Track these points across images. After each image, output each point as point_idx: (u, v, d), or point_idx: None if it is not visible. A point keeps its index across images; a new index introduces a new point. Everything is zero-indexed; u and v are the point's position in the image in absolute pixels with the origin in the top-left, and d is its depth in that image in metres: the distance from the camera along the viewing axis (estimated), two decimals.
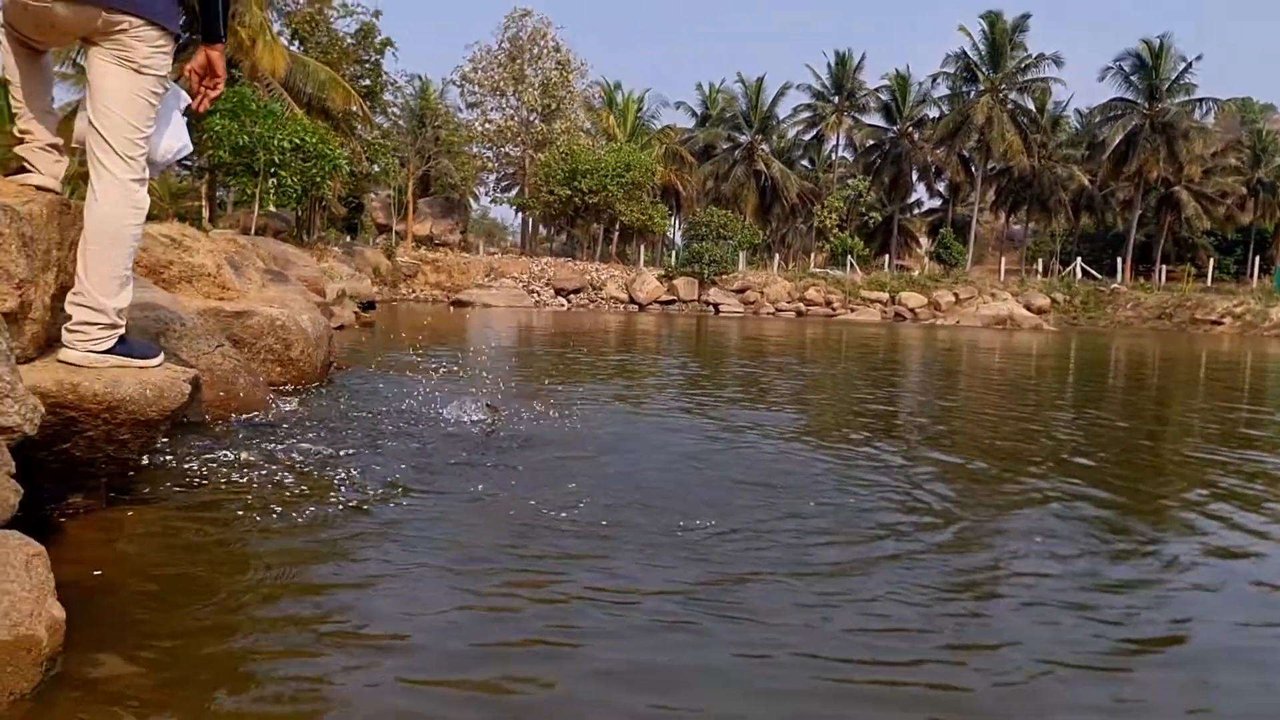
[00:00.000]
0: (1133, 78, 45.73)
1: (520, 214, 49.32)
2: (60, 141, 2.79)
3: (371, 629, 2.01)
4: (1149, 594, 2.52)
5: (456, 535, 2.69)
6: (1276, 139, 50.59)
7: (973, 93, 47.02)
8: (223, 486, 3.10)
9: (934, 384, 9.12)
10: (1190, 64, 45.09)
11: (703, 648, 2.02)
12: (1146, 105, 45.52)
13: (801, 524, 3.03)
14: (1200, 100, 45.85)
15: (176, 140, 2.87)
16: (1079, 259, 44.11)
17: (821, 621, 2.19)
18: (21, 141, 2.73)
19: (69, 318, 2.58)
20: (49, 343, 2.69)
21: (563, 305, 32.37)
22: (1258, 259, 44.13)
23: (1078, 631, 2.21)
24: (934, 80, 49.71)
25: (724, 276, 34.85)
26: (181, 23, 2.67)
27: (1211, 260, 45.33)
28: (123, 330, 2.68)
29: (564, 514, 2.98)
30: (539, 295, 33.00)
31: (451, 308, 26.82)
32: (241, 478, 3.23)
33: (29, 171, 2.72)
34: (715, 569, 2.52)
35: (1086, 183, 48.26)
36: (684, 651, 2.00)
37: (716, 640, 2.06)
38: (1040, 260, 49.16)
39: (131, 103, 2.53)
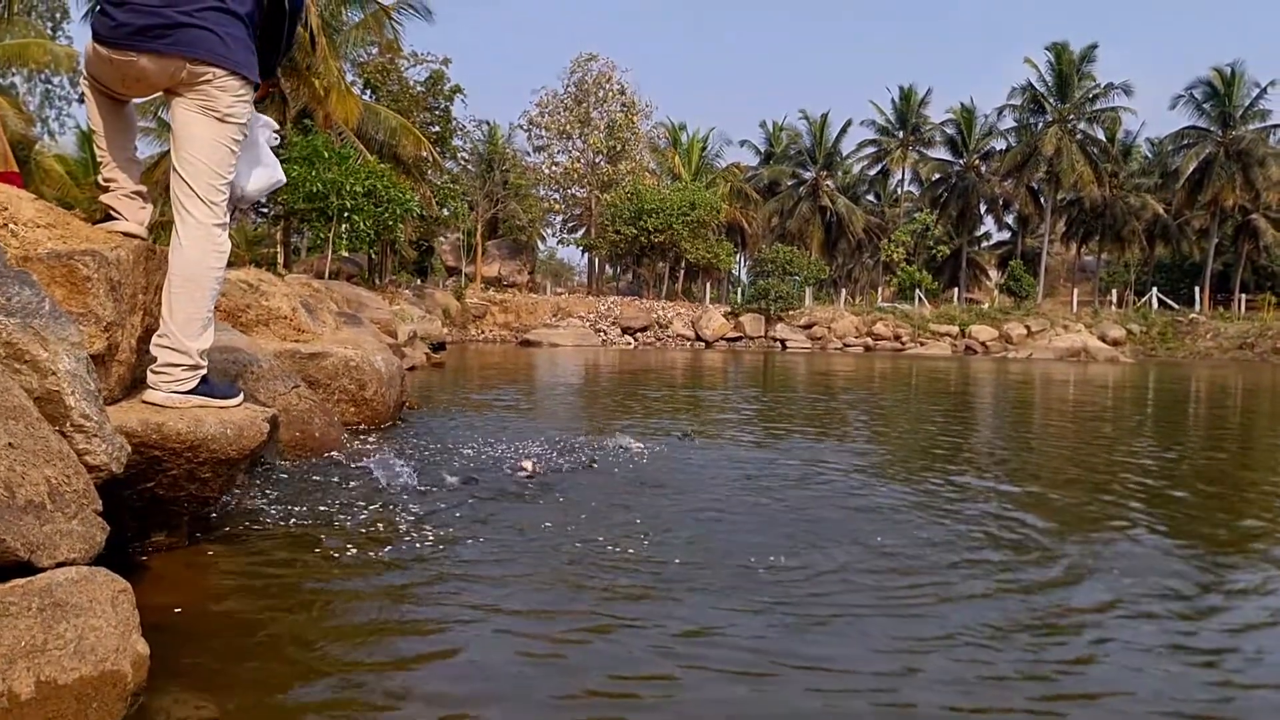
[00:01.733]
0: (1205, 105, 44.57)
1: (586, 254, 49.91)
2: (144, 189, 2.89)
3: (440, 686, 1.96)
4: (1258, 638, 2.37)
5: (522, 581, 2.63)
6: None
7: (1040, 124, 46.29)
8: (298, 527, 3.13)
9: (1011, 416, 8.85)
10: (1264, 90, 43.78)
11: (781, 702, 1.94)
12: (1220, 132, 44.24)
13: (881, 562, 2.93)
14: (1276, 126, 44.43)
15: (269, 174, 2.95)
16: (1155, 289, 42.75)
17: (905, 670, 2.09)
18: (107, 190, 2.84)
19: (153, 359, 2.66)
20: (134, 384, 2.77)
21: (629, 343, 32.48)
22: None
23: (1185, 681, 2.07)
24: (999, 113, 49.14)
25: (790, 312, 34.65)
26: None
27: None
28: (204, 371, 2.74)
29: (631, 551, 2.93)
30: (606, 334, 33.19)
31: (520, 347, 27.13)
32: (316, 518, 3.26)
33: (116, 219, 2.82)
34: (791, 611, 2.43)
35: (1161, 211, 46.88)
36: (761, 702, 1.93)
37: (795, 687, 1.98)
38: (1114, 291, 47.82)
39: (215, 150, 2.61)
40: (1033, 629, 2.37)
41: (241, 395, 2.92)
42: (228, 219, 2.68)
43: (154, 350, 2.65)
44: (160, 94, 2.69)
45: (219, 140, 2.61)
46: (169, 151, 2.66)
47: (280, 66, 2.92)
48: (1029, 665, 2.13)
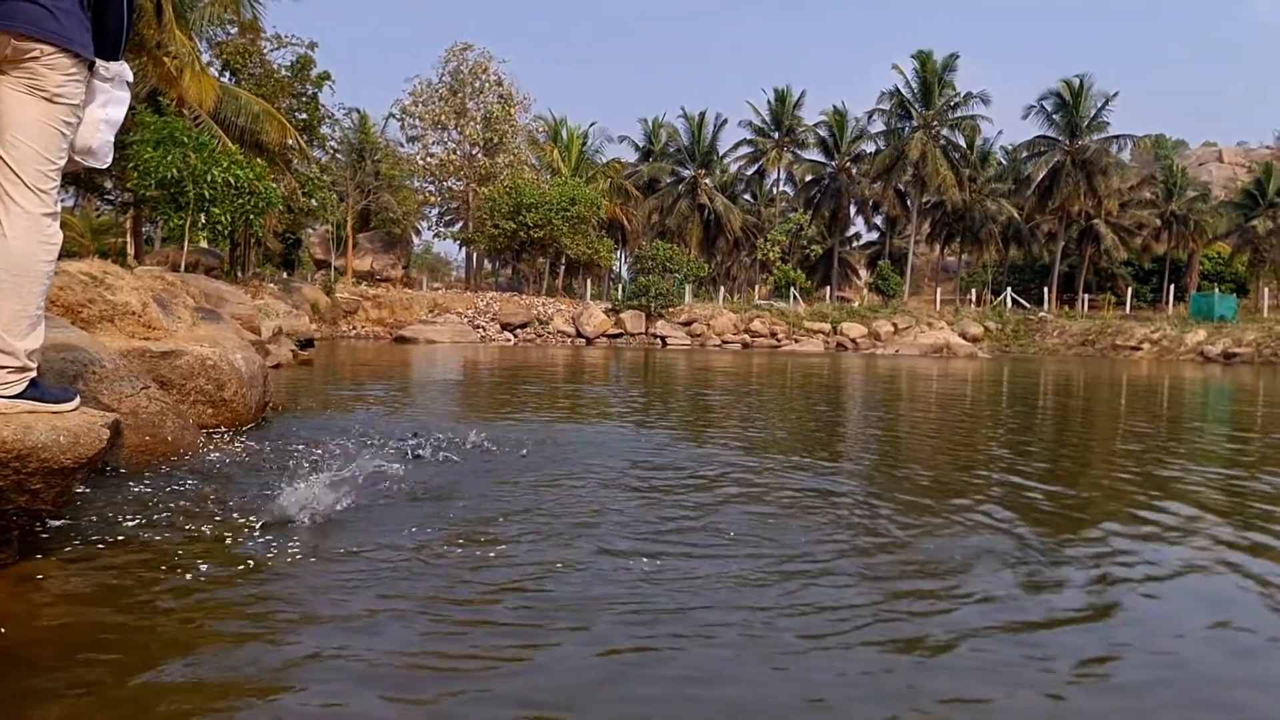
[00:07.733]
0: (1055, 116, 47.62)
1: (464, 248, 49.06)
2: None
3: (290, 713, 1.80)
4: (1088, 617, 2.50)
5: (376, 617, 2.36)
6: (1187, 174, 53.17)
7: (907, 129, 48.37)
8: (143, 541, 2.90)
9: (882, 410, 9.16)
10: (1108, 101, 47.13)
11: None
12: (1067, 142, 47.34)
13: (748, 565, 2.95)
14: (1117, 137, 47.97)
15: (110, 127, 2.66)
16: (1009, 289, 45.47)
17: (771, 674, 2.09)
18: None
19: None
20: None
21: (509, 340, 32.15)
22: (1172, 287, 46.20)
23: (1028, 666, 2.17)
24: (870, 117, 51.10)
25: (670, 309, 35.07)
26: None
27: (1130, 289, 47.32)
28: (34, 373, 2.52)
29: (499, 573, 2.76)
30: (485, 330, 32.76)
31: (394, 344, 26.42)
32: (166, 528, 3.04)
33: None
34: (671, 651, 2.23)
35: (1015, 215, 49.88)
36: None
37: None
38: (973, 290, 50.58)
39: (43, 133, 2.39)
40: (883, 635, 2.42)
41: (78, 399, 2.70)
42: (58, 208, 2.46)
43: None
44: None
45: (48, 122, 2.38)
46: None
47: (125, 47, 2.67)
48: (876, 664, 2.17)
